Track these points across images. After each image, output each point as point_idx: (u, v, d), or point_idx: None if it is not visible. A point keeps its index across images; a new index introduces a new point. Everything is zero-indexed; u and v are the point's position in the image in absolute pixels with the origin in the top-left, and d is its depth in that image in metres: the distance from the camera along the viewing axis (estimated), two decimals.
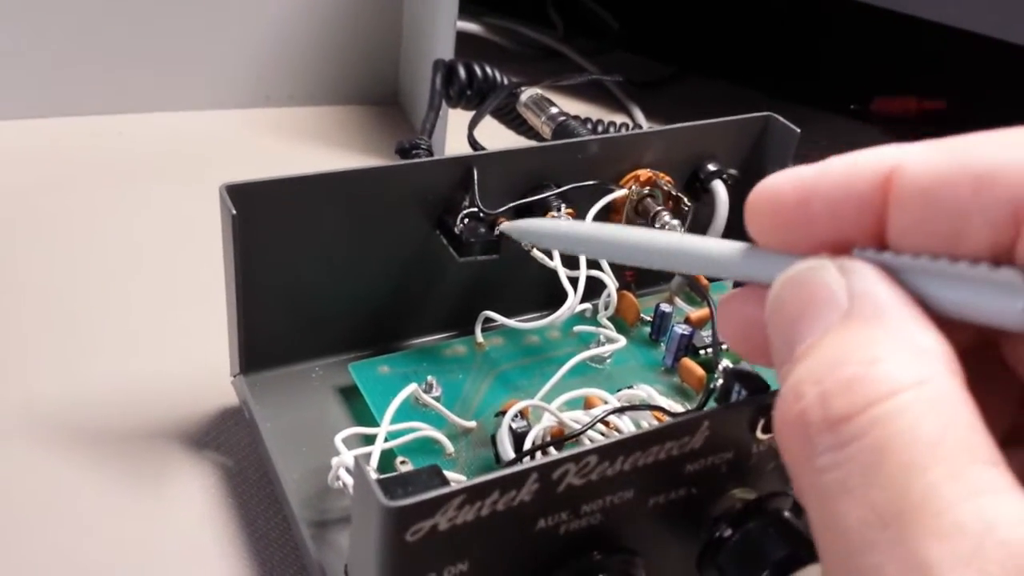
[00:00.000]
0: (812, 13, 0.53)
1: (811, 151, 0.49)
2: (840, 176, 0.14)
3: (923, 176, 0.13)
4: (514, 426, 0.24)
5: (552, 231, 0.20)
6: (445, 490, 0.17)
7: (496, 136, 0.41)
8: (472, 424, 0.26)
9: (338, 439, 0.24)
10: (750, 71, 0.56)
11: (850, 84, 0.57)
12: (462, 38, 0.51)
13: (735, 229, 0.32)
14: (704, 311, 0.31)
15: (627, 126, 0.44)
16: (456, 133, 0.41)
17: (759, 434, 0.20)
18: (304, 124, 0.45)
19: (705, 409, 0.22)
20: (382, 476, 0.20)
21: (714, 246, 0.16)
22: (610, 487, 0.19)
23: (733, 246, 0.16)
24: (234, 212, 0.23)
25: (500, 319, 0.29)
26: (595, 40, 0.57)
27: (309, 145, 0.43)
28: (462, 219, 0.27)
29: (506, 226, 0.24)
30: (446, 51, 0.39)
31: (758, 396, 0.20)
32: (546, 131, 0.35)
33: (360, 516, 0.18)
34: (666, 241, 0.17)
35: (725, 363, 0.25)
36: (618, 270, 0.30)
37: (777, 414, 0.13)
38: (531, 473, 0.18)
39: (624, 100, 0.50)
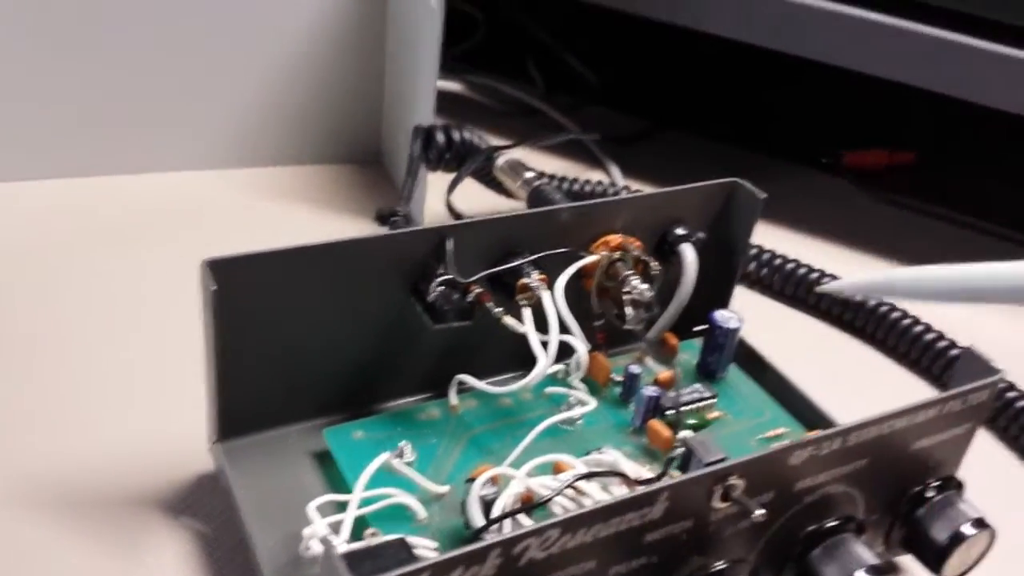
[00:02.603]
0: (784, 70, 0.54)
1: (782, 205, 0.50)
2: None
3: None
4: (483, 494, 0.25)
5: (907, 284, 0.19)
6: (408, 568, 0.17)
7: (475, 198, 0.42)
8: (444, 489, 0.27)
9: (311, 507, 0.24)
10: (725, 126, 0.58)
11: (822, 138, 0.59)
12: (443, 96, 0.53)
13: (701, 291, 0.33)
14: (672, 372, 0.32)
15: (602, 184, 0.45)
16: (437, 194, 0.42)
17: (716, 503, 0.21)
18: (289, 184, 0.46)
19: (664, 479, 0.23)
20: (350, 549, 0.21)
21: None
22: (572, 558, 0.20)
23: None
24: (214, 288, 0.24)
25: (473, 382, 0.30)
26: (575, 96, 0.58)
27: (294, 204, 0.44)
28: (436, 287, 0.28)
29: (856, 287, 0.21)
30: (426, 114, 0.40)
31: (715, 466, 0.21)
32: (521, 194, 0.36)
33: None
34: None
35: (685, 433, 0.25)
36: (589, 332, 0.31)
37: None
38: (493, 548, 0.19)
39: (601, 157, 0.52)
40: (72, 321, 0.35)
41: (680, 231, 0.33)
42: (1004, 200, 0.57)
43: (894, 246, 0.48)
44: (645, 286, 0.31)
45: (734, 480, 0.21)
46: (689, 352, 0.34)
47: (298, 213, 0.43)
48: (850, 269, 0.42)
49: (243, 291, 0.25)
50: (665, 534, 0.21)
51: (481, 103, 0.55)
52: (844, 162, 0.57)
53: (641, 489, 0.20)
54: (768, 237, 0.43)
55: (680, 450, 0.24)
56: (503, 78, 0.57)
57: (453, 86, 0.54)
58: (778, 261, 0.42)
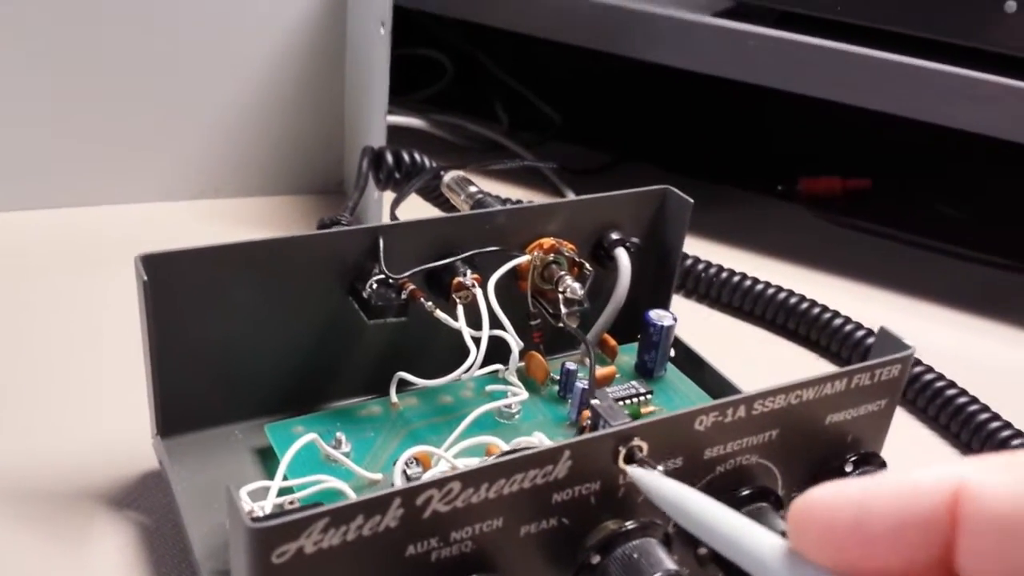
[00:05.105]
0: (740, 101, 0.56)
1: (738, 231, 0.51)
2: (899, 495, 0.13)
3: (996, 502, 0.12)
4: (408, 472, 0.25)
5: (648, 485, 0.20)
6: (307, 513, 0.18)
7: (423, 215, 0.43)
8: (378, 476, 0.27)
9: (243, 491, 0.25)
10: (684, 157, 0.60)
11: (777, 165, 0.61)
12: (409, 134, 0.55)
13: (640, 295, 0.34)
14: (609, 369, 0.33)
15: None
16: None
17: (622, 464, 0.22)
18: (255, 214, 0.47)
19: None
20: (266, 515, 0.22)
21: (759, 542, 0.15)
22: (478, 515, 0.21)
23: (777, 549, 0.15)
24: (145, 279, 0.25)
25: (412, 379, 0.31)
26: (539, 133, 0.60)
27: (258, 233, 0.46)
28: (370, 284, 0.29)
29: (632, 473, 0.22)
30: (378, 137, 0.42)
31: (617, 427, 0.22)
32: (465, 208, 0.37)
33: (233, 543, 0.19)
34: (722, 524, 0.16)
35: (594, 402, 0.26)
36: (525, 332, 0.32)
37: None
38: (394, 498, 0.19)
39: (560, 186, 0.53)
40: (33, 334, 0.36)
41: (615, 236, 0.34)
42: (957, 221, 0.58)
43: (847, 266, 0.49)
44: (577, 284, 0.32)
45: (637, 441, 0.22)
46: (630, 355, 0.35)
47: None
48: (805, 288, 0.43)
49: (177, 286, 0.26)
50: (573, 495, 0.22)
51: (446, 139, 0.57)
52: (799, 189, 0.58)
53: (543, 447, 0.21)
54: (726, 262, 0.44)
55: (588, 421, 0.25)
56: (470, 117, 0.59)
57: (418, 123, 0.56)
58: (724, 274, 0.44)
